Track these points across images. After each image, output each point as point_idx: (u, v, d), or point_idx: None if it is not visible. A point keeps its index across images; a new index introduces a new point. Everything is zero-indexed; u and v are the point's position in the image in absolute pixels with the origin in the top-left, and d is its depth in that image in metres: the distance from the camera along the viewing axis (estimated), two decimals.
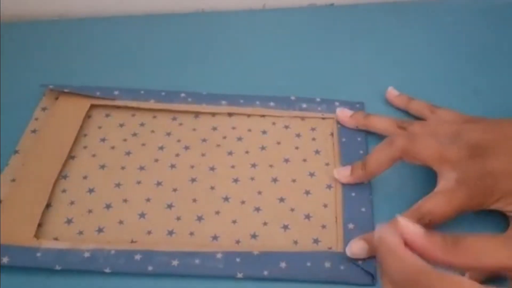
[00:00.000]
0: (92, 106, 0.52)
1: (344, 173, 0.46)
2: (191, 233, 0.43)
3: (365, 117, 0.50)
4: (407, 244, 0.30)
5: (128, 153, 0.48)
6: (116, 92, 0.52)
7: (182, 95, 0.53)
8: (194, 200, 0.45)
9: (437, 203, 0.41)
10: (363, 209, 0.44)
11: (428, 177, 0.47)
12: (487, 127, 0.44)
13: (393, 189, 0.47)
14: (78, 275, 0.40)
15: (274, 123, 0.51)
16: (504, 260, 0.29)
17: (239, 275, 0.40)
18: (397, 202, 0.44)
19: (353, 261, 0.41)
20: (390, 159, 0.44)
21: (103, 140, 0.49)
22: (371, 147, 0.49)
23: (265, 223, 0.44)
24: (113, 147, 0.49)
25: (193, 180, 0.47)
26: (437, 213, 0.41)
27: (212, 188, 0.46)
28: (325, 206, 0.45)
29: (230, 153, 0.49)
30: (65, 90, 0.52)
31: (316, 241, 0.43)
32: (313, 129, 0.51)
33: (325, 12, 0.66)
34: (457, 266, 0.29)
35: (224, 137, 0.50)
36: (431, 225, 0.41)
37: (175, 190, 0.46)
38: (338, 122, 0.51)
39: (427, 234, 0.30)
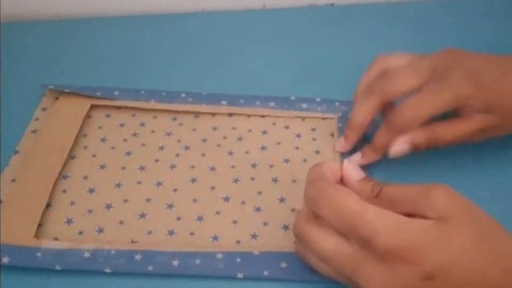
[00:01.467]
0: (92, 106, 0.52)
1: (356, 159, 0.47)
2: (192, 233, 0.43)
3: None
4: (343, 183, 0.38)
5: (128, 153, 0.48)
6: (116, 92, 0.52)
7: (182, 95, 0.53)
8: (195, 200, 0.45)
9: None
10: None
11: (430, 179, 0.47)
12: (466, 56, 0.45)
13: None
14: (78, 275, 0.40)
15: (274, 123, 0.51)
16: (408, 209, 0.34)
17: (240, 275, 0.40)
18: None
19: None
20: (372, 107, 0.45)
21: (103, 140, 0.49)
22: None
23: (265, 223, 0.44)
24: (113, 147, 0.49)
25: (193, 180, 0.47)
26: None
27: (213, 188, 0.46)
28: None
29: (230, 153, 0.49)
30: (65, 90, 0.52)
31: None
32: (313, 129, 0.51)
33: (325, 12, 0.66)
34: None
35: (225, 137, 0.50)
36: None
37: (175, 190, 0.46)
38: (338, 122, 0.51)
39: (361, 180, 0.38)
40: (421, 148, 0.44)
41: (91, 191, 0.46)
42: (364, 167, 0.46)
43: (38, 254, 0.41)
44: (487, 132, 0.44)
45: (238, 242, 0.43)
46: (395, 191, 0.36)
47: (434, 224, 0.33)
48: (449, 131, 0.44)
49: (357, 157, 0.47)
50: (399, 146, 0.44)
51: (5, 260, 0.40)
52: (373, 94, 0.45)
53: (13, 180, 0.46)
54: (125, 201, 0.45)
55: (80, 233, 0.43)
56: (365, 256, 0.34)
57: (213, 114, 0.52)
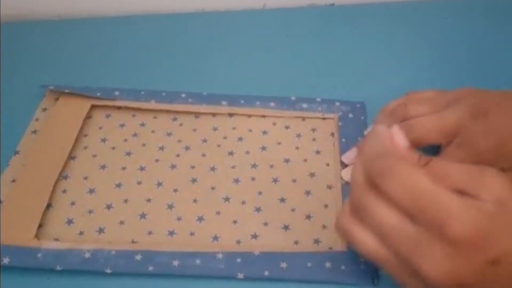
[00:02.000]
0: (93, 107, 0.52)
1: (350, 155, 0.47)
2: (192, 234, 0.43)
3: None
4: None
5: (128, 154, 0.48)
6: (116, 93, 0.52)
7: (183, 95, 0.53)
8: (195, 201, 0.45)
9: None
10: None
11: None
12: (482, 93, 0.44)
13: None
14: (79, 276, 0.40)
15: (274, 124, 0.51)
16: (460, 186, 0.33)
17: (240, 276, 0.40)
18: None
19: (354, 261, 0.41)
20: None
21: (103, 140, 0.49)
22: None
23: (265, 223, 0.44)
24: (113, 148, 0.49)
25: (193, 180, 0.47)
26: None
27: (213, 188, 0.46)
28: (326, 206, 0.45)
29: (230, 153, 0.49)
30: (66, 91, 0.52)
31: (316, 241, 0.43)
32: (313, 130, 0.51)
33: (325, 12, 0.66)
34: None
35: (225, 138, 0.50)
36: None
37: (175, 190, 0.46)
38: (338, 122, 0.51)
39: (409, 150, 0.36)
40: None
41: (91, 191, 0.46)
42: None
43: (39, 255, 0.41)
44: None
45: (238, 242, 0.43)
46: (445, 166, 0.34)
47: (495, 208, 0.32)
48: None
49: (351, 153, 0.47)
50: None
51: (5, 260, 0.40)
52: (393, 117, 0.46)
53: (13, 181, 0.46)
54: (126, 201, 0.45)
55: (81, 233, 0.43)
56: (430, 238, 0.32)
57: (214, 114, 0.52)
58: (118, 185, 0.46)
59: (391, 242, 0.34)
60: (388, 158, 0.34)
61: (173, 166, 0.47)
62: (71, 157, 0.48)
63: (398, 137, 0.36)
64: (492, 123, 0.42)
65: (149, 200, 0.45)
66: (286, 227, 0.44)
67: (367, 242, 0.35)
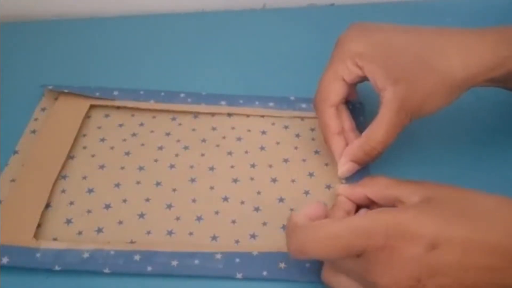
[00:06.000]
0: (92, 107, 0.52)
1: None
2: (191, 233, 0.43)
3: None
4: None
5: (127, 153, 0.48)
6: (115, 93, 0.52)
7: (182, 95, 0.53)
8: (194, 200, 0.45)
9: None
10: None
11: (429, 179, 0.47)
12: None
13: None
14: (78, 276, 0.40)
15: (273, 123, 0.51)
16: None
17: (239, 275, 0.40)
18: None
19: None
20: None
21: (102, 140, 0.49)
22: None
23: (264, 223, 0.44)
24: (112, 147, 0.49)
25: (192, 180, 0.47)
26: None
27: (212, 188, 0.46)
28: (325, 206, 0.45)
29: (229, 153, 0.49)
30: (65, 91, 0.52)
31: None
32: (312, 129, 0.51)
33: (325, 12, 0.66)
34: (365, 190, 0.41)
35: (224, 137, 0.50)
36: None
37: (174, 190, 0.46)
38: None
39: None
40: (364, 162, 0.45)
41: (90, 191, 0.46)
42: (365, 169, 0.47)
43: (38, 255, 0.41)
44: (409, 110, 0.43)
45: (237, 242, 0.43)
46: (384, 178, 0.40)
47: (419, 202, 0.35)
48: (376, 129, 0.43)
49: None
50: (344, 167, 0.46)
51: (4, 260, 0.40)
52: None
53: (13, 180, 0.46)
54: (124, 201, 0.45)
55: (79, 233, 0.43)
56: (371, 262, 0.34)
57: (213, 114, 0.52)
58: (117, 185, 0.46)
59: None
60: (292, 237, 0.37)
61: (172, 166, 0.47)
62: (70, 157, 0.48)
63: (345, 193, 0.42)
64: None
65: (148, 200, 0.45)
66: (285, 227, 0.43)
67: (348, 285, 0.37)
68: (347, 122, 0.47)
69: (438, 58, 0.42)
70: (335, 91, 0.46)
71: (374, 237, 0.33)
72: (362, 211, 0.40)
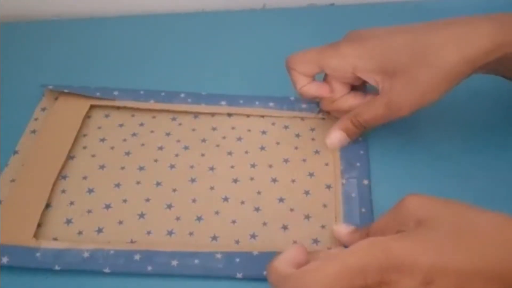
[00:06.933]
0: (92, 107, 0.52)
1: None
2: (191, 233, 0.43)
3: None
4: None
5: (127, 153, 0.48)
6: (115, 93, 0.52)
7: (182, 95, 0.53)
8: (194, 200, 0.45)
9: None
10: (363, 210, 0.44)
11: (429, 178, 0.47)
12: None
13: (393, 189, 0.47)
14: (78, 275, 0.41)
15: (273, 123, 0.51)
16: (395, 230, 0.36)
17: (239, 275, 0.40)
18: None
19: None
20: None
21: (102, 140, 0.49)
22: (371, 148, 0.49)
23: (264, 223, 0.44)
24: (112, 147, 0.49)
25: (192, 180, 0.47)
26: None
27: (212, 188, 0.46)
28: (325, 206, 0.45)
29: (229, 153, 0.49)
30: (65, 91, 0.52)
31: (315, 241, 0.43)
32: (312, 129, 0.51)
33: (325, 12, 0.66)
34: None
35: (224, 137, 0.50)
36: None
37: (174, 190, 0.46)
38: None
39: (350, 231, 0.41)
40: (353, 133, 0.47)
41: (90, 191, 0.46)
42: (365, 169, 0.47)
43: (38, 254, 0.41)
44: (404, 104, 0.44)
45: (237, 242, 0.43)
46: (379, 223, 0.38)
47: (412, 230, 0.34)
48: (366, 110, 0.46)
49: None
50: (333, 135, 0.48)
51: (4, 260, 0.40)
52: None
53: (13, 180, 0.46)
54: (124, 201, 0.45)
55: (80, 233, 0.43)
56: None
57: (213, 114, 0.52)
58: (117, 185, 0.46)
59: None
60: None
61: (172, 166, 0.47)
62: (70, 157, 0.48)
63: (339, 230, 0.42)
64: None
65: (148, 200, 0.45)
66: (285, 227, 0.44)
67: None
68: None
69: (433, 52, 0.43)
70: (307, 71, 0.47)
71: (370, 274, 0.32)
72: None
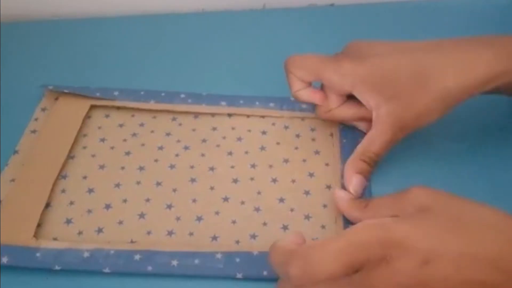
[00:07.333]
0: (92, 107, 0.52)
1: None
2: (191, 233, 0.43)
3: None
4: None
5: (127, 153, 0.48)
6: (116, 93, 0.52)
7: (182, 95, 0.53)
8: (194, 200, 0.45)
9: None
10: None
11: (429, 178, 0.47)
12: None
13: (393, 189, 0.46)
14: (78, 275, 0.40)
15: (273, 124, 0.51)
16: (393, 211, 0.37)
17: (239, 275, 0.40)
18: None
19: None
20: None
21: (102, 140, 0.49)
22: None
23: (264, 223, 0.44)
24: (112, 147, 0.49)
25: (192, 180, 0.47)
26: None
27: (212, 188, 0.46)
28: (325, 206, 0.45)
29: (229, 153, 0.49)
30: (65, 91, 0.52)
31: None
32: (312, 130, 0.51)
33: (325, 12, 0.66)
34: (365, 218, 0.39)
35: (224, 137, 0.50)
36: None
37: (174, 190, 0.46)
38: (337, 122, 0.51)
39: (350, 200, 0.43)
40: (367, 172, 0.45)
41: (90, 191, 0.46)
42: None
43: (38, 254, 0.41)
44: (403, 126, 0.45)
45: (237, 242, 0.43)
46: (379, 200, 0.39)
47: (414, 214, 0.35)
48: (371, 143, 0.45)
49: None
50: (354, 182, 0.44)
51: (4, 260, 0.40)
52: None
53: (13, 180, 0.46)
54: (125, 201, 0.45)
55: (80, 233, 0.43)
56: (369, 276, 0.34)
57: (213, 115, 0.52)
58: (117, 185, 0.46)
59: None
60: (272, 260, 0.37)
61: (172, 166, 0.47)
62: (70, 156, 0.48)
63: (340, 195, 0.43)
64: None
65: (148, 200, 0.45)
66: (285, 227, 0.44)
67: None
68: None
69: (431, 76, 0.43)
70: (304, 77, 0.47)
71: (372, 249, 0.33)
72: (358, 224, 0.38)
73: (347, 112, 0.48)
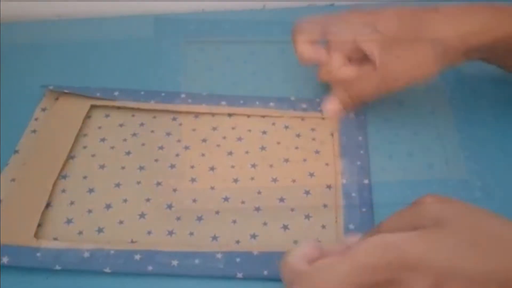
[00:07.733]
0: (92, 107, 0.52)
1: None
2: (191, 233, 0.43)
3: None
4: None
5: (128, 153, 0.48)
6: (116, 93, 0.52)
7: (182, 95, 0.53)
8: (194, 200, 0.45)
9: None
10: (363, 209, 0.44)
11: (429, 178, 0.47)
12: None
13: (393, 189, 0.47)
14: (78, 275, 0.40)
15: (274, 123, 0.51)
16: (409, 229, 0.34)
17: (239, 275, 0.40)
18: (397, 202, 0.44)
19: None
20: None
21: (103, 140, 0.49)
22: (372, 148, 0.49)
23: (265, 223, 0.44)
24: (113, 147, 0.49)
25: (193, 180, 0.47)
26: None
27: (212, 188, 0.46)
28: (325, 206, 0.45)
29: (230, 153, 0.49)
30: (65, 91, 0.52)
31: (315, 241, 0.43)
32: (313, 129, 0.51)
33: (325, 12, 0.65)
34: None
35: (224, 137, 0.50)
36: None
37: (174, 190, 0.46)
38: (338, 121, 0.51)
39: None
40: (348, 105, 0.50)
41: (90, 191, 0.46)
42: (365, 169, 0.47)
43: (38, 254, 0.41)
44: (392, 73, 0.47)
45: (237, 242, 0.43)
46: (391, 221, 0.36)
47: (430, 229, 0.33)
48: (361, 81, 0.48)
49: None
50: (330, 105, 0.50)
51: (5, 260, 0.40)
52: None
53: (13, 180, 0.46)
54: (125, 201, 0.45)
55: (80, 233, 0.43)
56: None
57: (213, 114, 0.52)
58: (118, 185, 0.46)
59: None
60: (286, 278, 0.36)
61: (172, 166, 0.47)
62: (70, 156, 0.48)
63: (349, 238, 0.39)
64: None
65: (148, 200, 0.45)
66: (285, 227, 0.44)
67: None
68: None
69: (431, 26, 0.45)
70: (311, 33, 0.50)
71: (380, 272, 0.32)
72: (362, 237, 0.37)
73: (349, 72, 0.49)
